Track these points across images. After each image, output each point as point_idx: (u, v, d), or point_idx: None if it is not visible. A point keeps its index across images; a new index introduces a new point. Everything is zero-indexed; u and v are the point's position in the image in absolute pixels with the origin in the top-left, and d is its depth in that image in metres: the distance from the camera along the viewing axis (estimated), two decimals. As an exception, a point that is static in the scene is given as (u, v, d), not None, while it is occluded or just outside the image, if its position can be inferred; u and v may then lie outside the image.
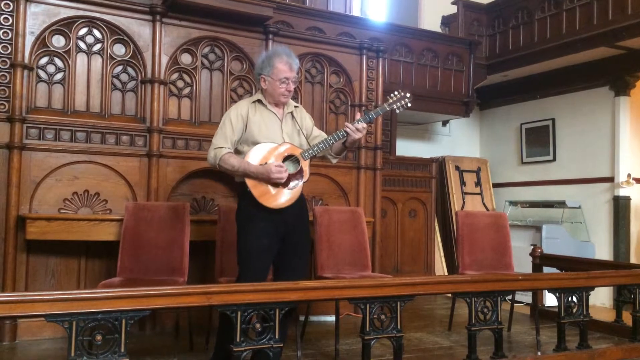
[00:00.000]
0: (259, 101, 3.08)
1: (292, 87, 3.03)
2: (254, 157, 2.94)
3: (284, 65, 2.99)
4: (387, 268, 5.87)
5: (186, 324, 3.57)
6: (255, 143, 2.98)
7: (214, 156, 2.99)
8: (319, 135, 3.20)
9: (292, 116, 3.14)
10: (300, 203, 3.08)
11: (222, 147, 2.98)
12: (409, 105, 3.12)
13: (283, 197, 2.96)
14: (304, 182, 3.01)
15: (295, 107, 3.18)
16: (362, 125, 2.97)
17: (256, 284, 2.52)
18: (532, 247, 4.97)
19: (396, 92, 3.11)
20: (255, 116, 3.03)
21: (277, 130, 3.04)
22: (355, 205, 4.74)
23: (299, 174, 2.98)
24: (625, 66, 6.24)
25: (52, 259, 3.85)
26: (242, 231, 3.02)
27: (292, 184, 2.96)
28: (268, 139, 2.99)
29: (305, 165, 3.00)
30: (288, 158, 2.98)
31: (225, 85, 4.39)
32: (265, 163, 2.91)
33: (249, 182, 2.94)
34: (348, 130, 2.95)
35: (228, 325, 2.76)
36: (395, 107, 3.09)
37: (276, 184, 2.92)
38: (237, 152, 3.05)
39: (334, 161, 3.22)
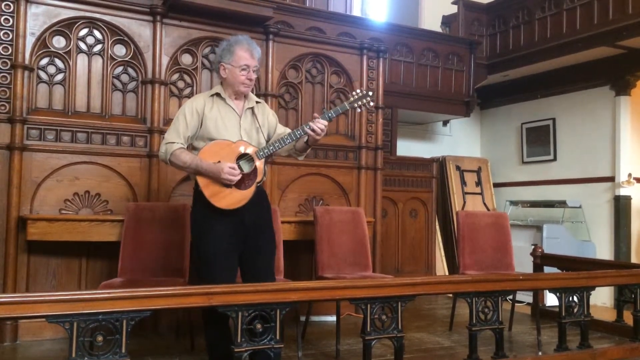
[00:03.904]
0: (218, 95, 2.93)
1: (252, 75, 2.89)
2: (208, 154, 2.80)
3: (245, 52, 2.86)
4: (388, 268, 5.86)
5: (187, 324, 3.57)
6: (211, 139, 2.85)
7: (164, 151, 2.86)
8: (282, 132, 3.03)
9: (253, 112, 2.98)
10: (259, 202, 2.93)
11: (173, 142, 2.83)
12: (371, 104, 3.05)
13: (235, 198, 2.81)
14: (257, 182, 2.88)
15: (257, 102, 3.03)
16: (321, 124, 2.84)
17: (258, 284, 2.51)
18: (532, 246, 4.97)
19: (358, 91, 3.01)
20: (212, 112, 2.88)
21: (235, 127, 2.90)
22: (356, 205, 4.74)
23: (252, 173, 2.86)
24: (626, 66, 6.23)
25: (53, 260, 3.85)
26: (198, 235, 2.88)
27: (245, 184, 2.83)
28: (225, 135, 2.85)
29: (260, 164, 2.88)
30: (243, 157, 2.85)
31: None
32: (219, 161, 2.79)
33: (201, 181, 2.81)
34: (307, 130, 2.85)
35: (212, 323, 2.75)
36: (355, 105, 2.98)
37: (228, 185, 2.80)
38: (193, 148, 2.93)
39: (300, 158, 3.11)
